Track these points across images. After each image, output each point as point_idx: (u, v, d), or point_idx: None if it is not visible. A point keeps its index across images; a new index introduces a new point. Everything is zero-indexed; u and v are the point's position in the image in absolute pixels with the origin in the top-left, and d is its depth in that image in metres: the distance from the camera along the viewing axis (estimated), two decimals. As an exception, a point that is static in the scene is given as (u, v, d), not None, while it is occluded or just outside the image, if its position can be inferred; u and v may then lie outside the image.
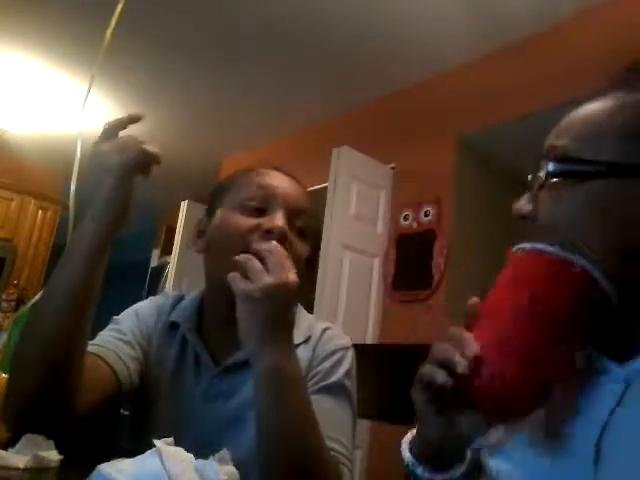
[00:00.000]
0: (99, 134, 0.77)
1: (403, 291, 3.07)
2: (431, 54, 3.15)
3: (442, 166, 3.11)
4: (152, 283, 5.31)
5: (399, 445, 0.68)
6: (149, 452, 0.57)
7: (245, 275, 0.72)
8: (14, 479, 0.62)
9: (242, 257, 0.74)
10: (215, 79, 3.66)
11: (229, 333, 0.87)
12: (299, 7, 2.89)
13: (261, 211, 0.87)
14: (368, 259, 3.18)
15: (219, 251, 0.88)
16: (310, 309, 2.83)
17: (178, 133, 4.45)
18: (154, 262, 5.69)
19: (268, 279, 0.70)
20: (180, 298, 0.99)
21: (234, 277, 0.72)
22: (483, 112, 2.99)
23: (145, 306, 0.99)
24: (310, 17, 2.96)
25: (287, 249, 0.79)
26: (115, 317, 0.95)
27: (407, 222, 3.19)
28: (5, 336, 1.69)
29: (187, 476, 0.54)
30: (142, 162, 0.75)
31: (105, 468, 0.54)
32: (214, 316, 0.93)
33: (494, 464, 0.60)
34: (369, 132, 3.58)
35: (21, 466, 0.64)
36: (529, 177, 0.59)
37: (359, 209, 3.17)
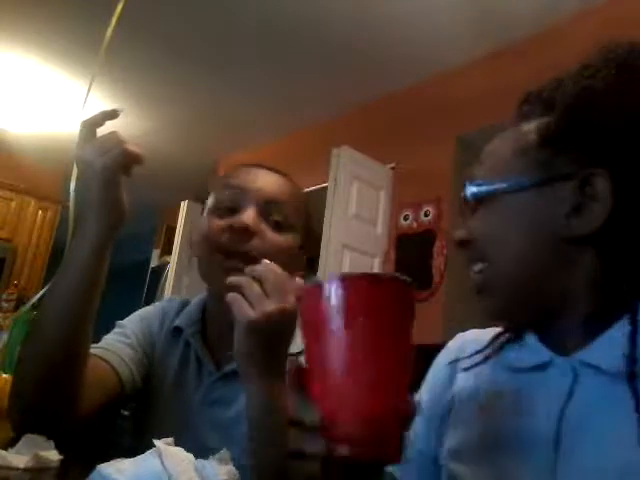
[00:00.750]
0: (78, 135, 0.77)
1: (403, 291, 3.06)
2: (431, 54, 3.15)
3: (442, 166, 3.11)
4: (152, 283, 5.30)
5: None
6: (149, 452, 0.57)
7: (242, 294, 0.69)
8: (14, 479, 0.62)
9: (238, 280, 0.69)
10: (215, 79, 3.66)
11: (229, 338, 0.87)
12: (299, 7, 2.89)
13: (233, 211, 0.86)
14: (368, 259, 3.18)
15: (199, 255, 0.89)
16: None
17: (178, 133, 4.46)
18: (154, 262, 5.69)
19: (270, 306, 0.67)
20: (185, 303, 0.99)
21: (235, 299, 0.68)
22: (483, 112, 2.99)
23: (150, 311, 0.99)
24: (310, 17, 2.96)
25: (253, 243, 0.81)
26: (120, 322, 0.96)
27: (407, 222, 3.19)
28: (5, 336, 1.69)
29: (187, 476, 0.54)
30: (124, 162, 0.75)
31: (105, 468, 0.54)
32: (216, 321, 0.93)
33: (454, 468, 0.61)
34: (369, 132, 3.58)
35: (21, 466, 0.64)
36: (460, 208, 0.66)
37: (359, 209, 3.17)
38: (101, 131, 0.80)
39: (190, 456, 0.58)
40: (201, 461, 0.57)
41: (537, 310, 0.59)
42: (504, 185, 0.59)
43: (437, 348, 0.73)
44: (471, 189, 0.61)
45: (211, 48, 3.33)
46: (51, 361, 0.73)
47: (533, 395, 0.57)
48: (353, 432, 0.44)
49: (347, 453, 0.44)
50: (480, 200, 0.61)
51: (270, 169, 0.94)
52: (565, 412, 0.54)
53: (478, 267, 0.61)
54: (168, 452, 0.56)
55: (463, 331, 0.73)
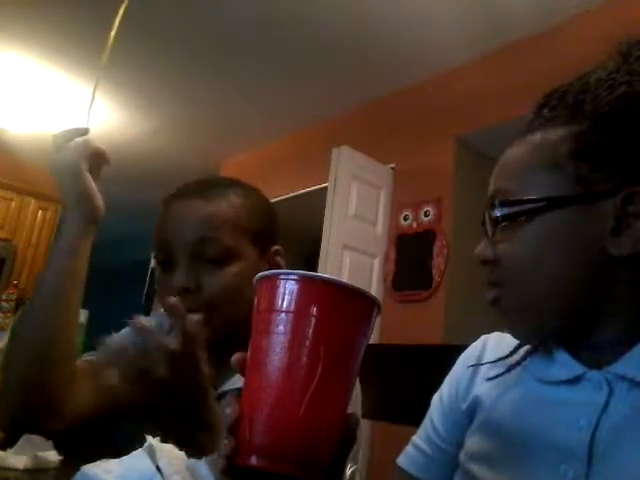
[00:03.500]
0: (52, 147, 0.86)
1: (403, 291, 3.06)
2: (431, 54, 3.15)
3: (442, 166, 3.11)
4: (152, 283, 5.30)
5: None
6: (139, 450, 0.56)
7: None
8: (14, 479, 0.62)
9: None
10: (214, 79, 3.66)
11: (220, 359, 0.87)
12: (299, 8, 2.89)
13: (169, 264, 0.84)
14: (368, 259, 3.18)
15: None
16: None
17: (178, 133, 4.45)
18: (154, 262, 5.68)
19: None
20: None
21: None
22: (483, 112, 2.99)
23: (148, 321, 0.98)
24: (310, 18, 2.96)
25: (196, 299, 0.79)
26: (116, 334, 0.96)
27: (407, 222, 3.19)
28: (7, 337, 1.69)
29: (179, 475, 0.54)
30: (87, 154, 0.82)
31: (90, 469, 0.53)
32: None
33: (475, 469, 0.61)
34: (369, 132, 3.58)
35: (20, 467, 0.64)
36: (484, 220, 0.61)
37: (359, 209, 3.16)
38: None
39: (182, 454, 0.57)
40: (193, 460, 0.57)
41: (569, 327, 0.57)
42: (540, 204, 0.56)
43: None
44: (502, 210, 0.58)
45: (212, 49, 3.33)
46: (35, 355, 0.74)
47: (565, 407, 0.56)
48: (268, 441, 0.40)
49: (255, 463, 0.40)
50: (513, 218, 0.58)
51: (195, 194, 0.87)
52: (599, 424, 0.53)
53: (499, 289, 0.59)
54: (161, 450, 0.56)
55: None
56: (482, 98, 3.00)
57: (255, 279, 0.45)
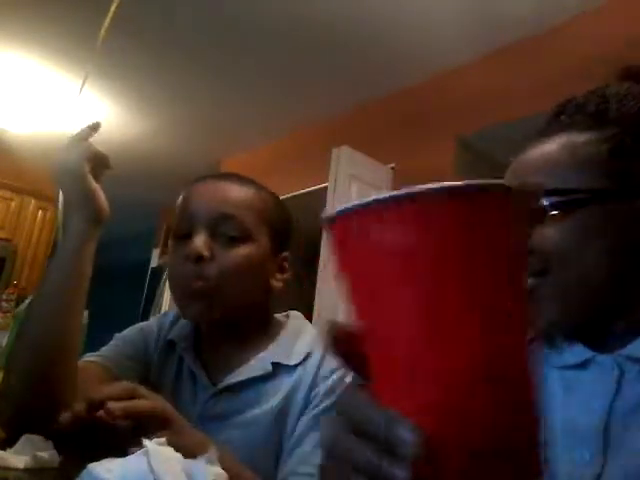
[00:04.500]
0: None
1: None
2: (431, 54, 3.15)
3: (442, 166, 3.11)
4: (152, 283, 5.30)
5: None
6: (139, 452, 0.56)
7: None
8: (14, 479, 0.62)
9: None
10: (214, 79, 3.66)
11: (222, 352, 0.88)
12: (299, 7, 2.89)
13: (188, 236, 0.86)
14: (368, 259, 3.18)
15: (171, 289, 0.91)
16: (310, 311, 2.83)
17: (178, 133, 4.45)
18: (154, 262, 5.69)
19: None
20: (180, 316, 0.98)
21: None
22: (483, 112, 2.99)
23: (148, 324, 1.00)
24: (310, 17, 2.96)
25: (207, 268, 0.82)
26: (117, 334, 0.96)
27: (407, 222, 3.18)
28: (7, 336, 1.69)
29: (173, 476, 0.54)
30: (88, 156, 0.82)
31: (95, 467, 0.54)
32: (206, 334, 0.93)
33: None
34: (369, 132, 3.58)
35: (21, 466, 0.64)
36: None
37: (359, 209, 3.16)
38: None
39: (178, 456, 0.58)
40: (189, 461, 0.57)
41: (598, 317, 0.60)
42: (587, 196, 0.59)
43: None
44: (551, 199, 0.60)
45: (211, 48, 3.33)
46: (38, 355, 0.75)
47: (577, 390, 0.59)
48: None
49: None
50: (561, 209, 0.60)
51: (225, 178, 0.92)
52: (613, 405, 0.56)
53: (538, 279, 0.60)
54: (155, 452, 0.56)
55: None
56: (482, 98, 3.00)
57: (332, 216, 0.34)
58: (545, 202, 0.60)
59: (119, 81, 3.65)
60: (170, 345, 0.94)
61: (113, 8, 0.95)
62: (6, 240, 4.88)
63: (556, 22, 2.73)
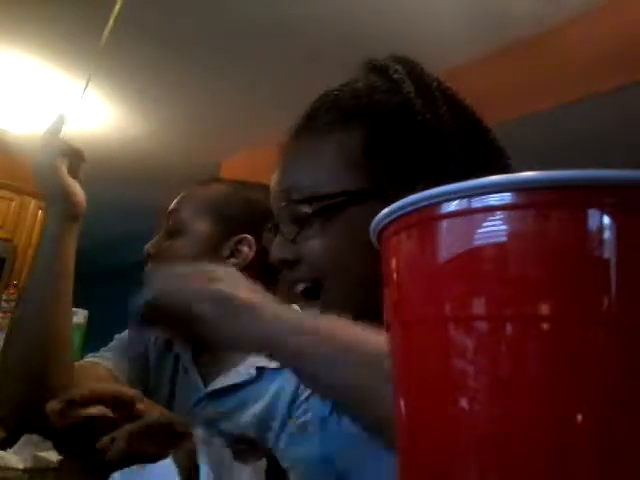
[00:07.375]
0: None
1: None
2: (431, 54, 3.13)
3: (442, 166, 3.11)
4: (152, 283, 5.30)
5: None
6: (168, 459, 0.55)
7: None
8: (13, 479, 0.62)
9: None
10: (215, 79, 3.66)
11: (214, 353, 0.88)
12: (299, 7, 2.89)
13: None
14: (368, 259, 3.18)
15: None
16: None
17: (178, 133, 4.45)
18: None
19: None
20: None
21: None
22: (483, 112, 2.99)
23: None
24: (310, 16, 2.96)
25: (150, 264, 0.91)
26: (117, 335, 0.96)
27: (407, 222, 3.18)
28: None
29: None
30: (63, 150, 0.83)
31: (119, 477, 0.53)
32: None
33: None
34: (369, 132, 3.57)
35: (21, 466, 0.64)
36: (275, 222, 0.62)
37: (359, 209, 3.16)
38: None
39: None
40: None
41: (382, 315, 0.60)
42: (344, 198, 0.56)
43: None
44: (314, 206, 0.57)
45: (211, 48, 3.33)
46: (28, 354, 0.75)
47: None
48: None
49: None
50: (321, 215, 0.57)
51: (203, 182, 1.00)
52: None
53: (314, 283, 0.59)
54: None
55: None
56: (482, 98, 2.99)
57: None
58: (306, 210, 0.58)
59: (119, 81, 3.64)
60: (167, 344, 0.94)
61: (117, 9, 0.95)
62: (6, 240, 4.88)
63: (556, 22, 2.73)
